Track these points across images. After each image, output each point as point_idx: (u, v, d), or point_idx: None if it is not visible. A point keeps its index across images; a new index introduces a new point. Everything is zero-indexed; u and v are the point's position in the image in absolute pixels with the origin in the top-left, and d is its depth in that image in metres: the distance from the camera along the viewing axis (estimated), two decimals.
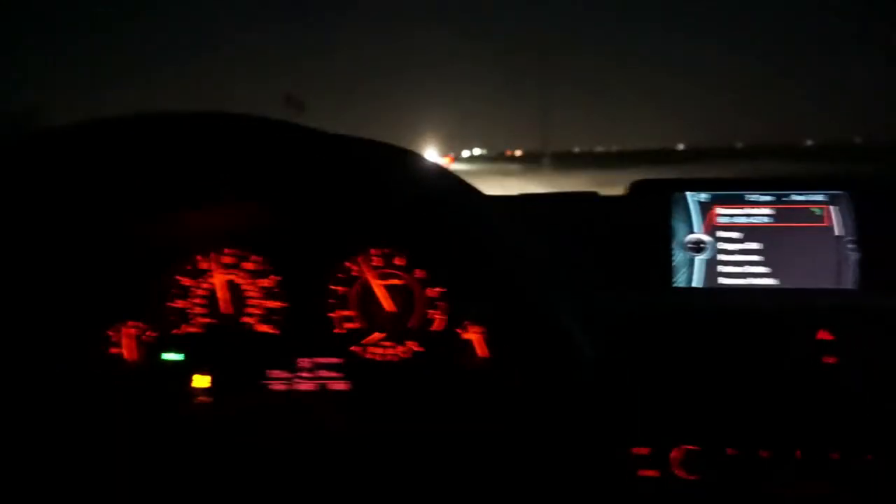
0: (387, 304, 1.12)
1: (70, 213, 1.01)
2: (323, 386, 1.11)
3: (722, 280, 1.15)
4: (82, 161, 0.86)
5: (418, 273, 1.12)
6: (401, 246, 1.12)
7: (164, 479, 1.07)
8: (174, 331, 1.14)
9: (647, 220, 1.17)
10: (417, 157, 0.93)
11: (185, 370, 1.11)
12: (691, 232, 1.16)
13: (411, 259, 1.13)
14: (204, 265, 1.14)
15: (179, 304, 1.14)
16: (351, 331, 1.13)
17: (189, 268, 1.14)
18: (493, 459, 1.02)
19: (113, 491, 1.07)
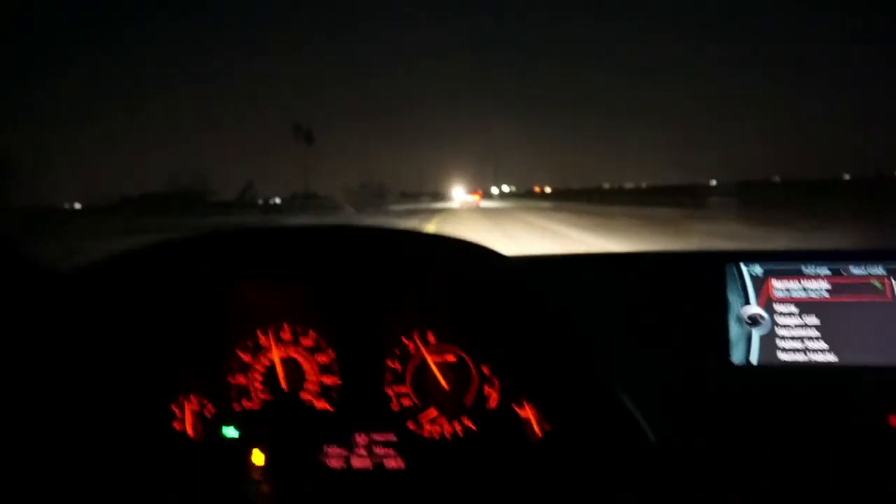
0: (442, 380, 1.13)
1: (143, 295, 1.06)
2: (379, 464, 1.12)
3: (781, 356, 1.13)
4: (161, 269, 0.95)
5: (474, 350, 1.13)
6: (455, 323, 1.13)
7: None
8: (234, 406, 1.16)
9: (702, 291, 1.16)
10: (471, 245, 0.96)
11: (244, 446, 1.12)
12: (747, 305, 1.15)
13: (466, 336, 1.13)
14: (263, 341, 1.16)
15: (240, 379, 1.16)
16: (406, 408, 1.13)
17: (249, 344, 1.17)
18: None
19: None
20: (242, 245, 1.01)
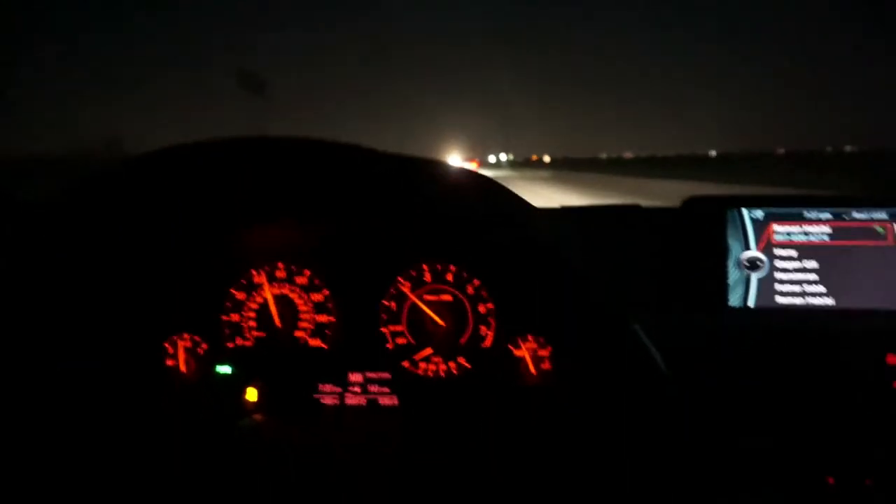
0: (437, 319, 1.12)
1: (134, 231, 1.04)
2: (373, 401, 1.12)
3: (779, 299, 1.12)
4: (149, 187, 0.89)
5: (470, 289, 1.12)
6: (453, 261, 1.12)
7: (215, 491, 1.08)
8: (228, 344, 1.15)
9: (701, 237, 1.15)
10: (469, 173, 0.93)
11: (238, 383, 1.12)
12: (747, 249, 1.14)
13: (463, 274, 1.12)
14: (257, 279, 1.15)
15: (233, 317, 1.15)
16: (401, 346, 1.13)
17: (243, 282, 1.15)
18: (548, 479, 1.01)
19: (165, 501, 1.09)
20: (236, 175, 0.96)
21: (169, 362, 1.15)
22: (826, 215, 1.13)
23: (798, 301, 1.12)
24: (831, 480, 0.91)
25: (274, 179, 0.92)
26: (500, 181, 0.92)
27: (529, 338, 1.10)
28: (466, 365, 1.12)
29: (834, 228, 1.12)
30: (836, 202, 1.13)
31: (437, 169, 0.90)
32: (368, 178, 0.91)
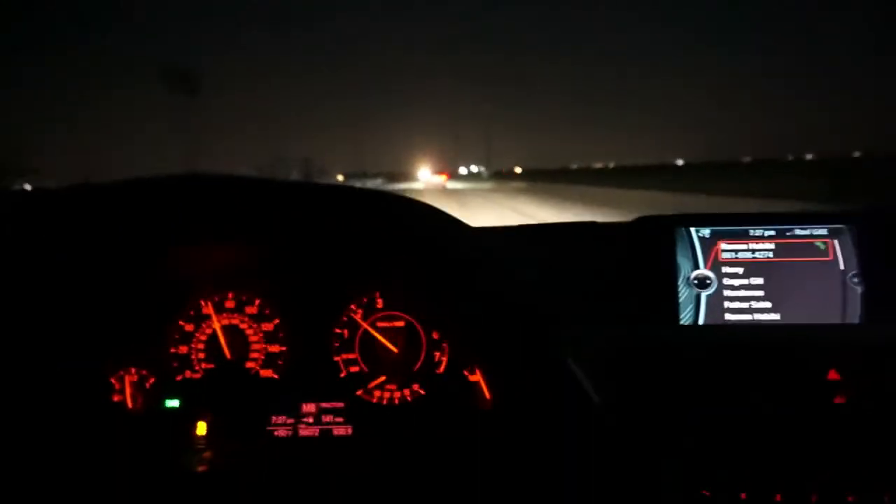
0: (390, 346, 1.11)
1: (74, 262, 1.01)
2: (326, 431, 1.10)
3: (728, 316, 1.14)
4: (85, 215, 0.86)
5: (422, 315, 1.12)
6: (403, 287, 1.12)
7: None
8: (176, 377, 1.13)
9: (652, 256, 1.16)
10: (413, 203, 0.93)
11: (188, 417, 1.10)
12: (696, 268, 1.16)
13: (411, 302, 1.12)
14: (206, 310, 1.13)
15: (181, 349, 1.13)
16: (354, 374, 1.12)
17: (192, 313, 1.13)
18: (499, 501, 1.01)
19: None
20: (184, 200, 0.93)
21: (116, 398, 1.12)
22: (770, 232, 1.15)
23: (745, 317, 1.13)
24: (778, 497, 0.92)
25: (211, 210, 0.91)
26: (462, 195, 0.93)
27: (483, 363, 1.10)
28: (420, 391, 1.11)
29: (777, 245, 1.14)
30: (780, 219, 1.15)
31: (380, 200, 0.89)
32: (311, 210, 0.91)
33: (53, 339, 1.08)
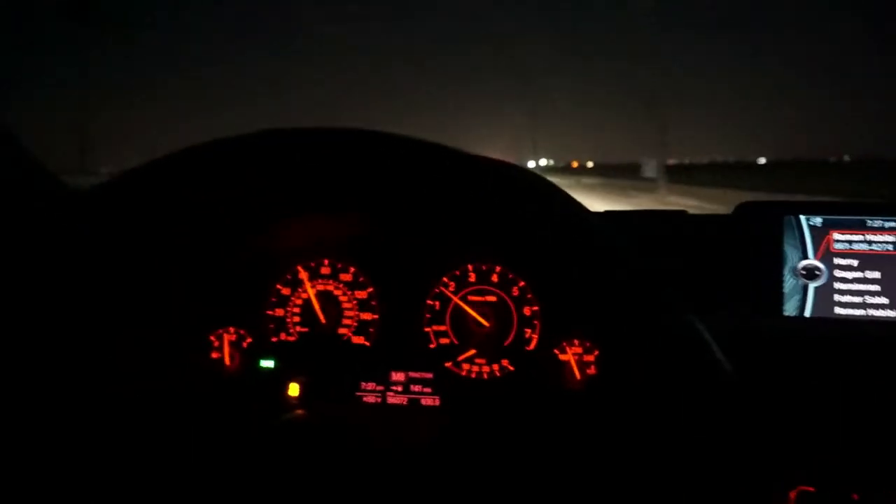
0: (481, 320, 1.11)
1: (180, 225, 1.05)
2: (414, 400, 1.11)
3: (837, 310, 1.08)
4: (194, 181, 0.89)
5: (515, 291, 1.11)
6: (499, 261, 1.11)
7: (254, 484, 1.09)
8: (272, 338, 1.16)
9: (756, 244, 1.12)
10: (523, 171, 0.90)
11: (281, 378, 1.13)
12: (804, 258, 1.10)
13: (509, 275, 1.11)
14: (302, 275, 1.16)
15: (278, 312, 1.16)
16: (444, 346, 1.12)
17: (288, 277, 1.16)
18: (588, 487, 0.99)
19: (207, 494, 1.10)
20: (281, 167, 0.94)
21: (214, 355, 1.16)
22: (891, 224, 1.08)
23: (858, 312, 1.07)
24: (894, 500, 0.86)
25: (322, 172, 0.91)
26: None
27: (575, 342, 1.08)
28: (510, 367, 1.10)
29: None
30: None
31: (491, 167, 0.87)
32: (421, 173, 0.89)
33: (159, 297, 1.13)
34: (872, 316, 1.07)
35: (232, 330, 1.16)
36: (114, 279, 1.02)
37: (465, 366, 1.11)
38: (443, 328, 1.13)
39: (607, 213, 1.24)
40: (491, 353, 1.11)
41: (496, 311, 1.11)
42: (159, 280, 1.11)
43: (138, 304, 1.10)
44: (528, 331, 1.10)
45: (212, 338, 1.16)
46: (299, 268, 1.16)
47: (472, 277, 1.12)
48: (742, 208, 1.15)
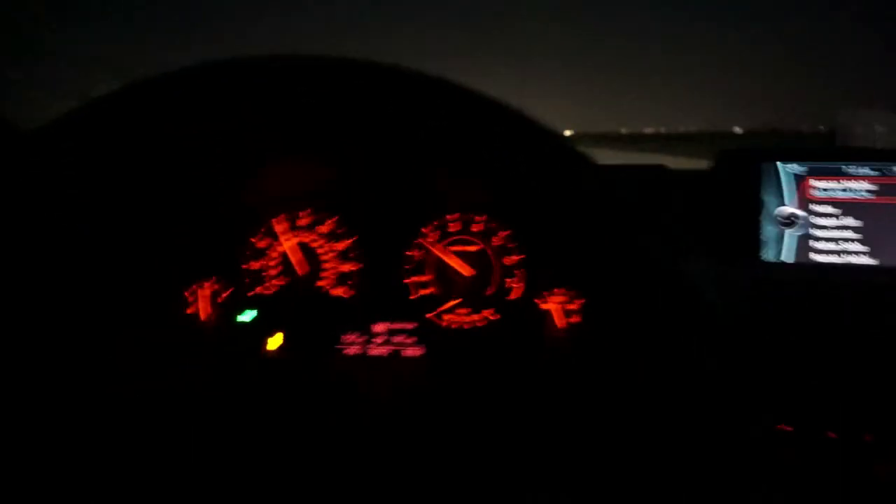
0: (463, 270, 1.10)
1: (148, 172, 1.01)
2: (396, 351, 1.10)
3: (815, 256, 1.09)
4: (159, 116, 0.83)
5: (496, 241, 1.10)
6: (483, 210, 1.10)
7: (235, 439, 1.08)
8: (248, 292, 1.14)
9: (734, 191, 1.12)
10: (514, 111, 0.86)
11: (259, 331, 1.11)
12: (782, 205, 1.11)
13: (492, 224, 1.10)
14: (279, 227, 1.14)
15: (254, 265, 1.14)
16: (426, 297, 1.11)
17: (264, 229, 1.14)
18: (574, 433, 1.00)
19: (184, 449, 1.09)
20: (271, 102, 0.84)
21: (189, 310, 1.14)
22: (867, 171, 1.09)
23: (836, 259, 1.08)
24: (868, 438, 0.88)
25: (304, 108, 0.87)
26: None
27: (559, 290, 1.08)
28: (492, 317, 1.10)
29: (876, 185, 1.08)
30: (879, 156, 1.09)
31: (483, 103, 0.82)
32: (407, 110, 0.85)
33: (129, 250, 1.10)
34: (849, 262, 1.08)
35: (206, 284, 1.14)
36: (74, 231, 0.98)
37: (447, 316, 1.11)
38: (425, 278, 1.12)
39: (590, 164, 1.23)
40: (473, 302, 1.11)
41: (479, 261, 1.11)
42: (126, 231, 1.07)
43: (104, 258, 1.07)
44: (511, 280, 1.10)
45: (186, 293, 1.14)
46: (275, 220, 1.14)
47: (455, 227, 1.11)
48: (721, 156, 1.15)
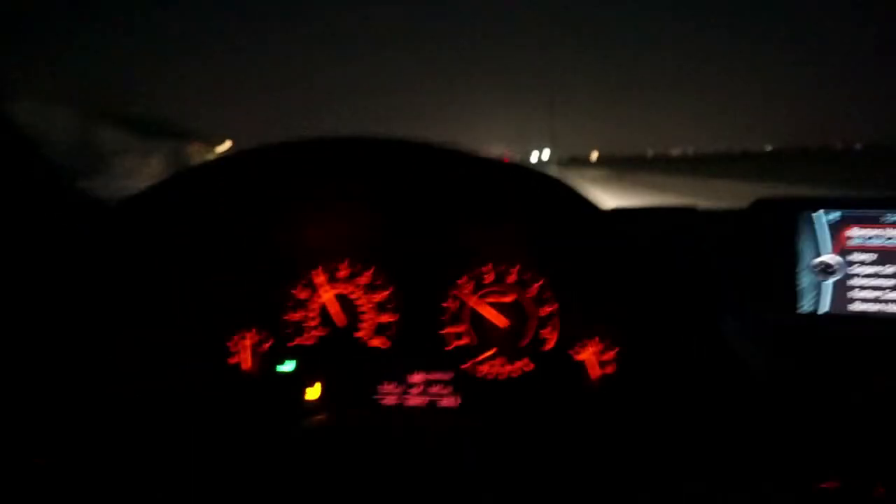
0: (498, 321, 1.12)
1: (199, 229, 1.06)
2: (433, 402, 1.12)
3: (853, 306, 1.08)
4: (219, 192, 0.91)
5: (532, 291, 1.11)
6: (517, 261, 1.11)
7: (274, 489, 1.09)
8: (289, 343, 1.17)
9: (772, 240, 1.12)
10: (538, 173, 0.91)
11: (299, 381, 1.14)
12: (819, 254, 1.10)
13: (526, 275, 1.12)
14: (318, 279, 1.17)
15: (295, 316, 1.17)
16: (462, 348, 1.13)
17: (305, 281, 1.17)
18: (612, 481, 0.99)
19: (226, 498, 1.11)
20: (308, 164, 0.95)
21: (232, 360, 1.17)
22: None
23: (873, 307, 1.07)
24: None
25: (341, 175, 0.92)
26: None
27: (594, 340, 1.08)
28: (528, 367, 1.11)
29: None
30: None
31: (507, 168, 0.88)
32: (439, 175, 0.91)
33: (176, 303, 1.14)
34: (889, 312, 1.07)
35: (248, 335, 1.17)
36: (135, 286, 1.03)
37: (484, 366, 1.12)
38: (461, 329, 1.13)
39: (617, 210, 1.24)
40: (509, 353, 1.12)
41: (514, 311, 1.12)
42: (179, 286, 1.12)
43: (158, 311, 1.11)
44: (546, 330, 1.11)
45: (230, 343, 1.17)
46: (314, 272, 1.17)
47: (489, 278, 1.13)
48: (757, 204, 1.15)
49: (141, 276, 1.04)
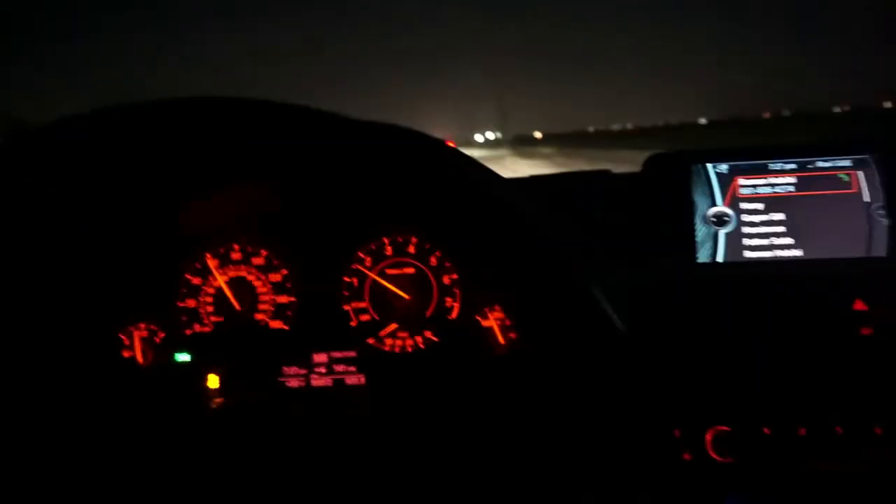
0: (401, 293, 1.10)
1: (76, 213, 1.00)
2: (339, 381, 1.10)
3: (747, 253, 1.10)
4: (90, 154, 0.83)
5: (433, 260, 1.10)
6: (414, 232, 1.09)
7: (179, 480, 1.06)
8: (185, 331, 1.13)
9: (667, 195, 1.13)
10: (427, 139, 0.89)
11: (198, 370, 1.10)
12: (713, 205, 1.12)
13: (426, 245, 1.10)
14: (212, 263, 1.12)
15: (190, 303, 1.13)
16: (365, 323, 1.11)
17: (197, 266, 1.13)
18: (520, 447, 1.00)
19: (127, 492, 1.06)
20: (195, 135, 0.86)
21: (126, 353, 1.12)
22: (791, 166, 1.10)
23: (766, 254, 1.10)
24: (803, 431, 0.89)
25: (224, 146, 0.87)
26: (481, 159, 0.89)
27: (496, 308, 1.08)
28: (433, 338, 1.10)
29: (799, 179, 1.10)
30: (801, 152, 1.10)
31: (400, 136, 0.85)
32: (328, 145, 0.86)
33: (59, 298, 1.08)
34: (779, 256, 1.09)
35: (142, 325, 1.12)
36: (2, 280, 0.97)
37: (388, 341, 1.10)
38: (362, 304, 1.11)
39: (533, 177, 1.24)
40: (413, 325, 1.10)
41: (415, 283, 1.10)
42: (54, 274, 1.05)
43: (32, 307, 1.05)
44: (449, 300, 1.10)
45: (121, 335, 1.12)
46: (207, 255, 1.12)
47: (389, 250, 1.11)
48: (651, 161, 1.16)
49: (7, 267, 0.97)
